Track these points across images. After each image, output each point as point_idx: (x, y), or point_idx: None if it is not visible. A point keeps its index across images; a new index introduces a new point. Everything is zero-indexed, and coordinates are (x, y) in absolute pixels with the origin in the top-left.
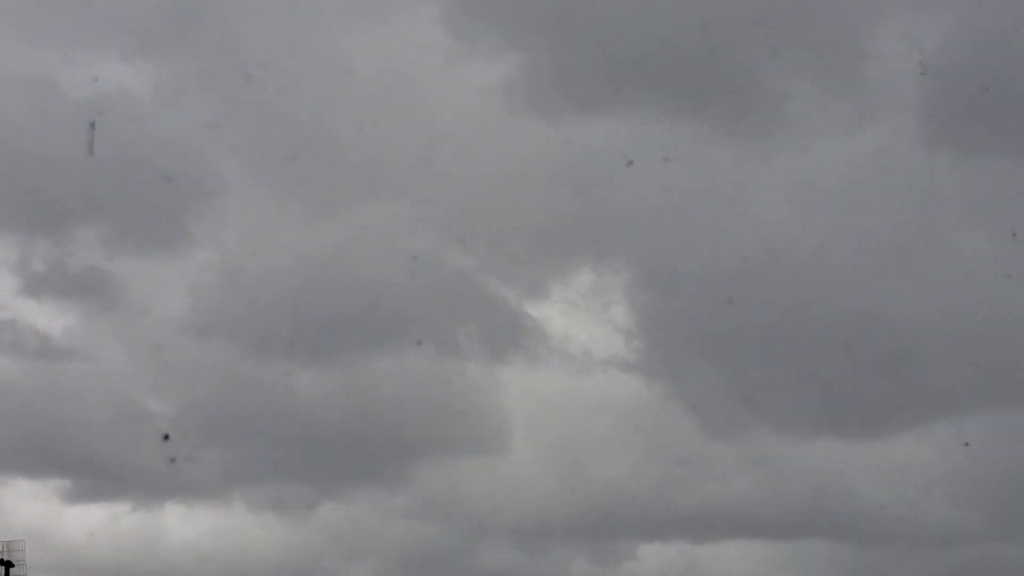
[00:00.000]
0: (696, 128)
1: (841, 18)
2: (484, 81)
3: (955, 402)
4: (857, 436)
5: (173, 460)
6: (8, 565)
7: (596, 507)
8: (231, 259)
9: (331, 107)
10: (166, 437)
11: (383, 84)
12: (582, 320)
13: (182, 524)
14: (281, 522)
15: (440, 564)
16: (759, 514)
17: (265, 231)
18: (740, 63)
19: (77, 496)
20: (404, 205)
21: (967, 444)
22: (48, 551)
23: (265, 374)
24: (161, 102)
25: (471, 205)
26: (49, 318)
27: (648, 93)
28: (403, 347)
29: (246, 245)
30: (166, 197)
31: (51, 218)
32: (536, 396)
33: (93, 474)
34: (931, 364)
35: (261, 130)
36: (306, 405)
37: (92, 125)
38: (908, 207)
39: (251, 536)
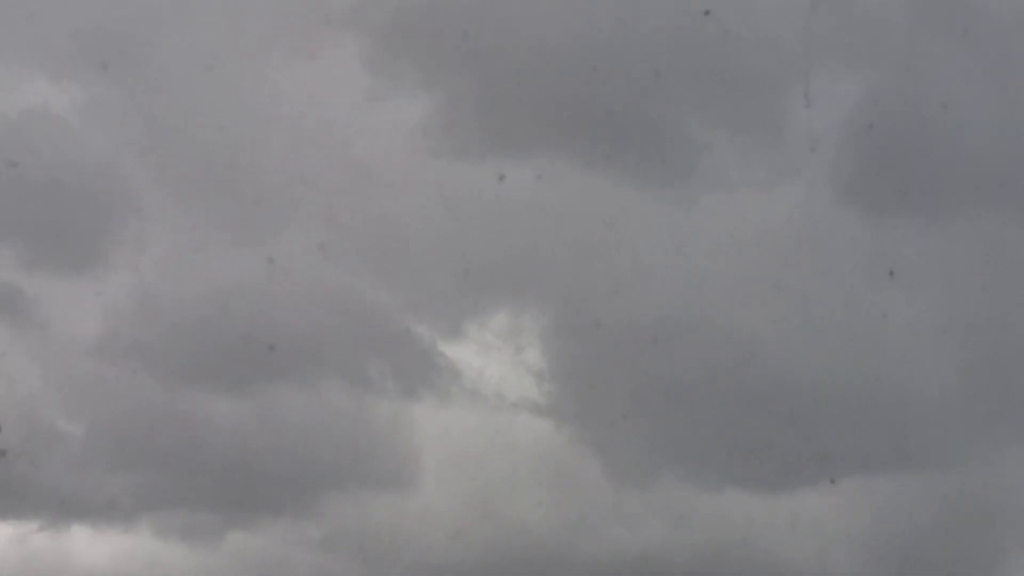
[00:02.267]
0: (615, 174)
1: (764, 73)
2: (404, 118)
3: (864, 460)
4: (765, 490)
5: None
6: None
7: (505, 547)
8: (147, 283)
9: (252, 138)
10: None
11: (304, 117)
12: (496, 361)
13: (89, 546)
14: (189, 549)
15: None
16: (667, 562)
17: (183, 257)
18: (662, 112)
19: None
20: (322, 238)
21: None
22: None
23: (177, 401)
24: (85, 123)
25: (389, 241)
26: None
27: (568, 137)
28: (315, 380)
29: (163, 270)
30: (85, 218)
31: None
32: (447, 435)
33: (1, 491)
34: (840, 421)
35: (183, 157)
36: (217, 433)
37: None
38: (821, 264)
39: (158, 561)
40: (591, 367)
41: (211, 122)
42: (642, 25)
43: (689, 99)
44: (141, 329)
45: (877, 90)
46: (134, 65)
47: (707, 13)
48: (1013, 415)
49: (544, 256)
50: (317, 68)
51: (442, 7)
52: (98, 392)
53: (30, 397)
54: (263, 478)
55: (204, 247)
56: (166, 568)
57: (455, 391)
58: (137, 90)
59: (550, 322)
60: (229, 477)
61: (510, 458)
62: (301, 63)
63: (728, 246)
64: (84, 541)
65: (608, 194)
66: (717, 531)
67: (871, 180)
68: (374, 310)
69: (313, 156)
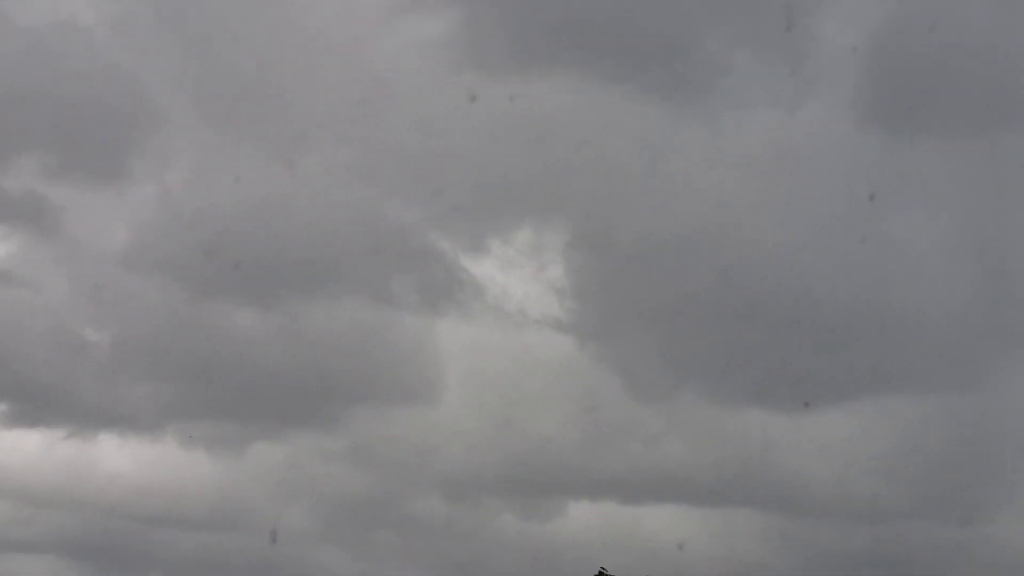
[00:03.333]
0: (636, 92)
1: None
2: (426, 34)
3: (883, 380)
4: (784, 409)
5: None
6: None
7: (526, 463)
8: (172, 196)
9: (277, 54)
10: None
11: (328, 33)
12: (518, 278)
13: (115, 454)
14: (213, 459)
15: (370, 510)
16: (687, 479)
17: (207, 171)
18: (682, 30)
19: (12, 420)
20: (346, 153)
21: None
22: None
23: (203, 313)
24: (112, 36)
25: (412, 157)
26: None
27: (590, 55)
28: (339, 294)
29: (188, 183)
30: (111, 130)
31: None
32: (469, 350)
33: (29, 399)
34: (861, 341)
35: (208, 72)
36: (242, 346)
37: None
38: (843, 184)
39: (183, 470)
40: (613, 284)
41: (236, 37)
42: None
43: (710, 18)
44: (166, 241)
45: (897, 11)
46: None
47: None
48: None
49: (567, 172)
50: None
51: None
52: (124, 303)
53: (57, 306)
54: (287, 391)
55: (229, 161)
56: (191, 477)
57: (477, 307)
58: (164, 5)
59: (572, 239)
60: (254, 389)
61: (531, 374)
62: None
63: (748, 164)
64: (111, 449)
65: (629, 111)
66: (737, 449)
67: (891, 101)
68: (397, 225)
69: (337, 72)
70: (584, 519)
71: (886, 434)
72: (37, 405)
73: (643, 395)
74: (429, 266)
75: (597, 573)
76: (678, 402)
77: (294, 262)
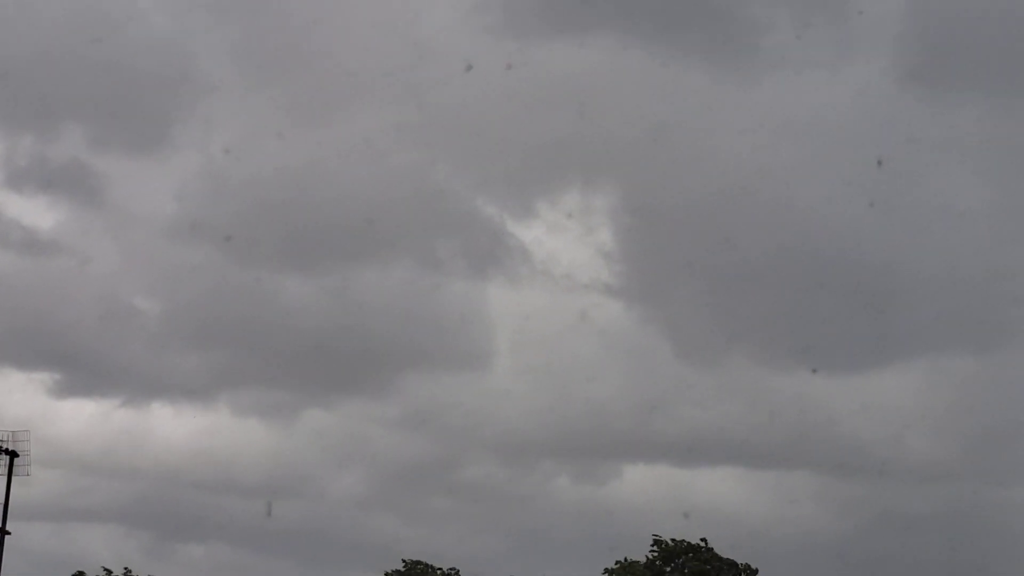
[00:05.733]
0: (676, 54)
1: None
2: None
3: (932, 341)
4: (834, 371)
5: None
6: (12, 455)
7: (578, 426)
8: (217, 163)
9: (318, 21)
10: None
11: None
12: (566, 242)
13: (169, 423)
14: (266, 426)
15: (425, 475)
16: (740, 441)
17: (252, 138)
18: None
19: (67, 390)
20: (390, 119)
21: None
22: (42, 443)
23: (251, 281)
24: (156, 3)
25: (458, 122)
26: (33, 213)
27: (630, 17)
28: (386, 260)
29: (233, 151)
30: (155, 98)
31: (37, 114)
32: (519, 315)
33: (82, 368)
34: (909, 303)
35: (252, 39)
36: (292, 313)
37: None
38: (886, 144)
39: (236, 439)
40: (661, 248)
41: (278, 5)
42: None
43: None
44: (214, 209)
45: None
46: None
47: None
48: None
49: (611, 136)
50: None
51: None
52: (173, 272)
53: (106, 275)
54: (338, 357)
55: (273, 128)
56: (244, 445)
57: (525, 272)
58: None
59: (619, 202)
60: (304, 356)
61: (581, 339)
62: None
63: (791, 126)
64: (164, 418)
65: (671, 74)
66: (788, 411)
67: (935, 62)
68: (443, 191)
69: (379, 38)
70: (639, 482)
71: (941, 395)
72: (90, 375)
73: (693, 357)
74: (476, 231)
75: (652, 542)
76: (728, 364)
77: (341, 228)
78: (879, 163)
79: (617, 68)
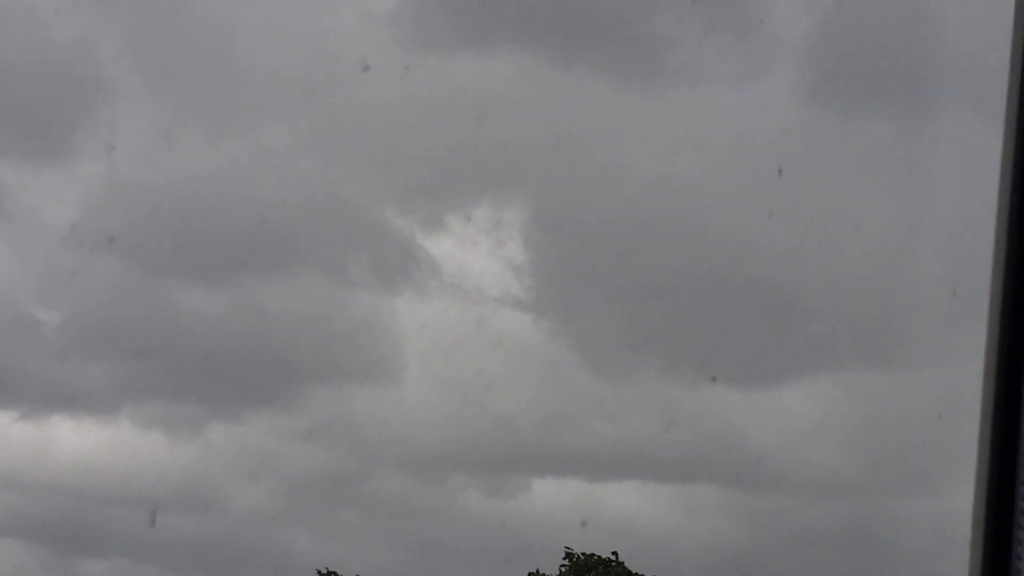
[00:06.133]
0: (584, 68)
1: None
2: (375, 9)
3: (833, 355)
4: (741, 385)
5: None
6: None
7: (488, 440)
8: (120, 172)
9: (227, 28)
10: None
11: (277, 8)
12: (476, 255)
13: (70, 436)
14: (171, 440)
15: (334, 488)
16: (649, 456)
17: (157, 146)
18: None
19: None
20: (299, 129)
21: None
22: None
23: (156, 291)
24: (58, 7)
25: (368, 133)
26: None
27: (538, 31)
28: (294, 272)
29: (138, 159)
30: (54, 105)
31: None
32: (428, 329)
33: None
34: (811, 317)
35: (158, 44)
36: (198, 325)
37: None
38: (787, 158)
39: (140, 452)
40: (571, 261)
41: (186, 11)
42: None
43: None
44: (117, 218)
45: None
46: None
47: None
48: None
49: (523, 150)
50: None
51: None
52: (75, 281)
53: (4, 286)
54: (244, 370)
55: (179, 136)
56: (148, 458)
57: (435, 285)
58: None
59: (530, 216)
60: (211, 369)
61: (491, 352)
62: None
63: (697, 141)
64: (65, 431)
65: (579, 88)
66: (697, 425)
67: (838, 78)
68: (353, 203)
69: (288, 47)
70: (549, 496)
71: (846, 409)
72: None
73: (602, 372)
74: (385, 244)
75: (564, 555)
76: (635, 378)
77: (249, 240)
78: (780, 172)
79: (525, 81)
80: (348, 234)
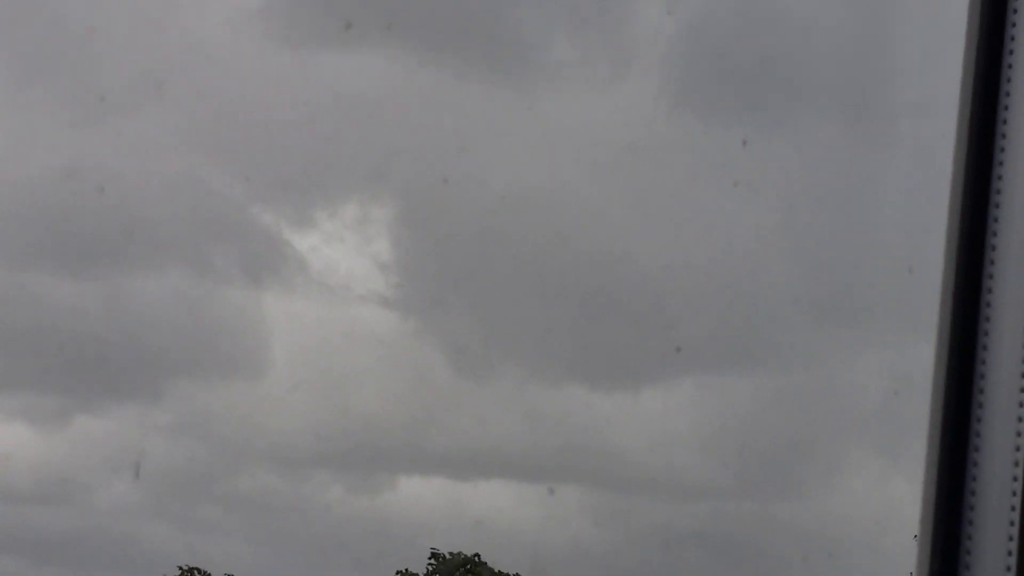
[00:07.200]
0: (455, 68)
1: None
2: (244, 4)
3: (701, 358)
4: (607, 387)
5: None
6: None
7: (353, 438)
8: None
9: (95, 20)
10: None
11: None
12: (343, 252)
13: None
14: (35, 432)
15: (195, 485)
16: (512, 454)
17: (17, 137)
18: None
19: None
20: (164, 123)
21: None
22: None
23: (20, 281)
24: None
25: (235, 128)
26: None
27: (406, 28)
28: (161, 265)
29: (4, 147)
30: None
31: None
32: (294, 325)
33: None
34: (679, 320)
35: (17, 32)
36: (62, 316)
37: None
38: (658, 161)
39: (3, 444)
40: (438, 260)
41: (49, 4)
42: None
43: None
44: None
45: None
46: None
47: None
48: (845, 317)
49: (390, 147)
50: None
51: None
52: None
53: None
54: (110, 362)
55: (42, 128)
56: (11, 450)
57: (301, 281)
58: None
59: (397, 214)
60: (75, 361)
61: (357, 350)
62: None
63: (563, 140)
64: None
65: (451, 88)
66: (562, 425)
67: (707, 84)
68: (219, 197)
69: (151, 40)
70: (414, 494)
71: (709, 412)
72: None
73: (467, 371)
74: (252, 239)
75: (430, 555)
76: (502, 378)
77: (112, 233)
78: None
79: (396, 80)
80: (214, 229)
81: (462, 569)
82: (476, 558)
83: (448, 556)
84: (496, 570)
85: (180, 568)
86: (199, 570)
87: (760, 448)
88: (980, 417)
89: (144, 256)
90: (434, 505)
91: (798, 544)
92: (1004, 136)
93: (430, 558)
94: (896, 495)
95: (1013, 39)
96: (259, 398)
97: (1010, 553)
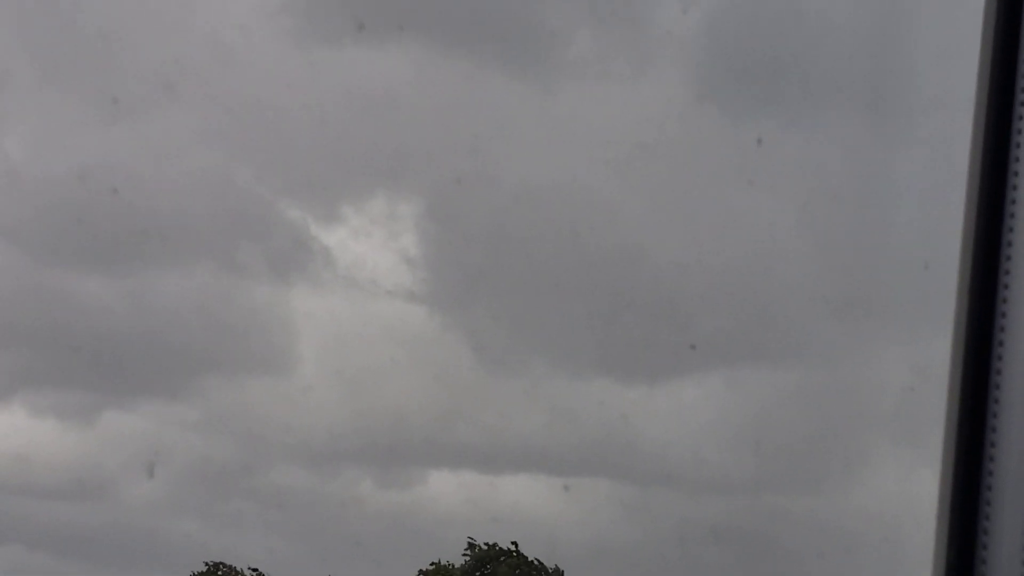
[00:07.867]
0: (478, 63)
1: None
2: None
3: (729, 352)
4: (633, 380)
5: None
6: None
7: (382, 432)
8: (11, 161)
9: (118, 18)
10: None
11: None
12: (370, 247)
13: None
14: (64, 428)
15: (227, 479)
16: (542, 449)
17: (49, 135)
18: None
19: None
20: (194, 120)
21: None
22: None
23: (49, 280)
24: None
25: (261, 125)
26: None
27: (430, 23)
28: (188, 262)
29: (29, 147)
30: None
31: None
32: (321, 321)
33: None
34: (707, 313)
35: (50, 34)
36: (91, 313)
37: None
38: (683, 157)
39: (33, 440)
40: (465, 255)
41: (76, 2)
42: None
43: None
44: (9, 207)
45: None
46: None
47: None
48: (862, 313)
49: (417, 143)
50: None
51: None
52: None
53: None
54: (138, 359)
55: (71, 126)
56: (42, 446)
57: (328, 277)
58: None
59: (424, 209)
60: (104, 357)
61: (385, 345)
62: None
63: (590, 137)
64: None
65: (475, 83)
66: (589, 419)
67: (731, 80)
68: (246, 193)
69: (180, 38)
70: (445, 487)
71: (737, 406)
72: None
73: (495, 365)
74: (279, 235)
75: (466, 547)
76: (529, 372)
77: (141, 230)
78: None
79: (421, 75)
80: (242, 225)
81: (501, 559)
82: (514, 546)
83: (484, 547)
84: (532, 559)
85: (206, 564)
86: (225, 564)
87: (778, 443)
88: (996, 412)
89: (172, 253)
90: (465, 498)
91: (816, 539)
92: (1020, 132)
93: (466, 549)
94: (914, 490)
95: None
96: (287, 394)
97: None
